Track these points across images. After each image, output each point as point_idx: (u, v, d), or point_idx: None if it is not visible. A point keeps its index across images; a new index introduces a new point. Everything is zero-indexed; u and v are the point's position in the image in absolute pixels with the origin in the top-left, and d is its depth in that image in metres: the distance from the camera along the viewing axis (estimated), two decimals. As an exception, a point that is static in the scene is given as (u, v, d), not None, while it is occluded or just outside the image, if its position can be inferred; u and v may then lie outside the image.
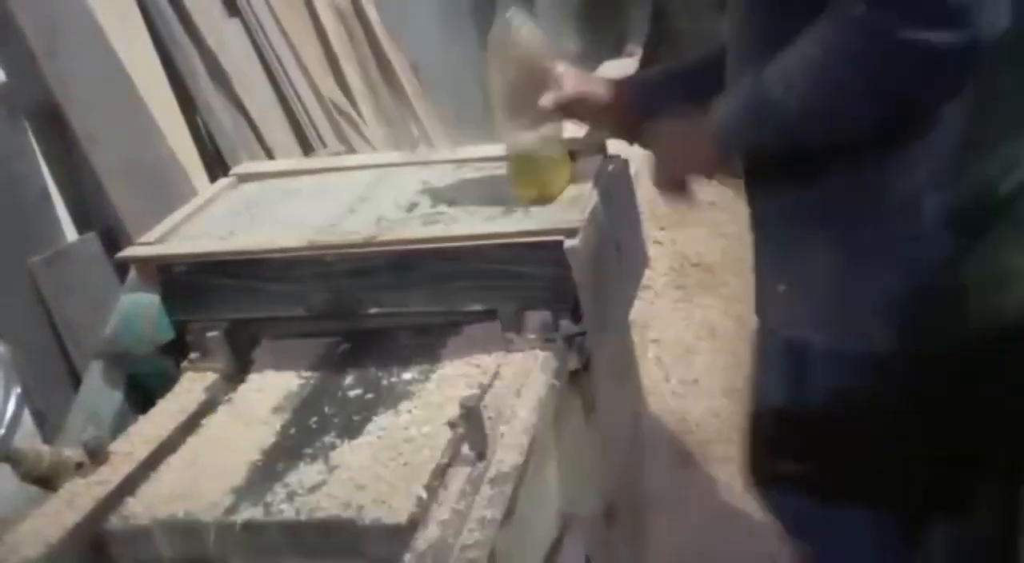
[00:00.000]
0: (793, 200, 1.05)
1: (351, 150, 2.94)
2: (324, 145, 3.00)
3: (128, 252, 1.37)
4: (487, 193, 1.37)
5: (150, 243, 1.36)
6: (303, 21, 3.06)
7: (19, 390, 1.10)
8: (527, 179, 1.29)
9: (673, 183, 1.20)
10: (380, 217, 1.36)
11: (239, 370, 1.35)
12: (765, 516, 1.71)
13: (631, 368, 1.80)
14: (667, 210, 2.23)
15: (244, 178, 1.60)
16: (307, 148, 2.93)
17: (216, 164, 2.67)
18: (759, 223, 1.14)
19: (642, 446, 1.81)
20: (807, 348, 1.08)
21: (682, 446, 1.88)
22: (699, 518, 1.71)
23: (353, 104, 3.13)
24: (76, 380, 2.08)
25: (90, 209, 2.35)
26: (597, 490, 1.42)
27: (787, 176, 1.04)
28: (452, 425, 1.06)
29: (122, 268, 2.34)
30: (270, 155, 2.72)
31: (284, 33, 2.93)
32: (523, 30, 1.20)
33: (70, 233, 2.32)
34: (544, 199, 1.29)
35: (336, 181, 1.52)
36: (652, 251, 2.10)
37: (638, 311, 1.98)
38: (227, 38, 2.73)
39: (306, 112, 2.95)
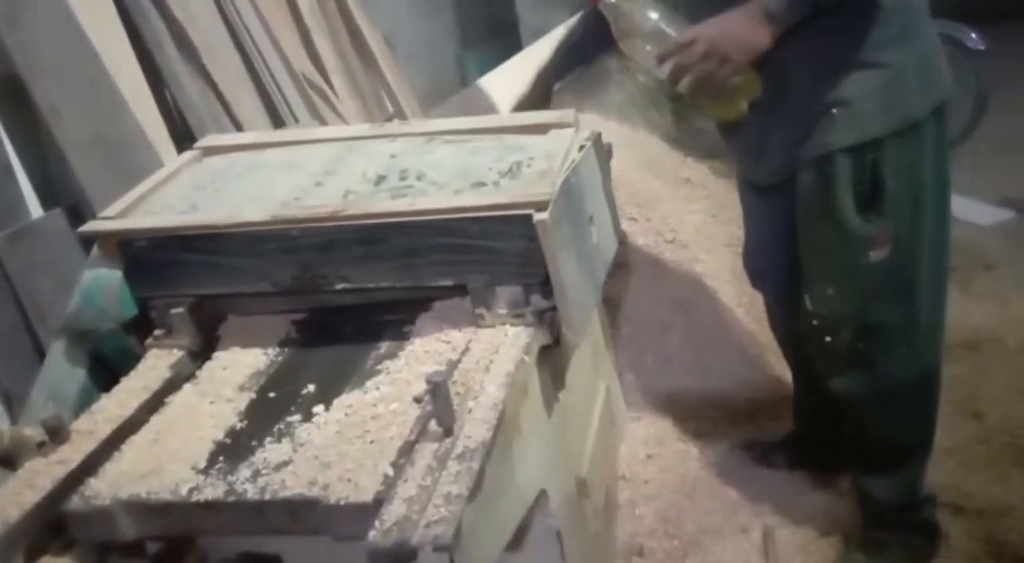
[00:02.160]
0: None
1: (323, 124, 2.90)
2: (296, 120, 2.95)
3: (89, 227, 1.34)
4: (457, 166, 1.35)
5: (111, 218, 1.33)
6: (274, -8, 3.00)
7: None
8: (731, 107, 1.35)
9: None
10: (347, 190, 1.33)
11: (205, 347, 1.33)
12: (736, 490, 1.73)
13: (603, 344, 1.79)
14: (641, 186, 2.21)
15: (209, 151, 1.57)
16: (278, 123, 2.87)
17: (185, 138, 2.61)
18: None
19: (614, 423, 1.81)
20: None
21: (655, 422, 1.88)
22: (671, 493, 1.71)
23: (325, 78, 3.08)
24: (42, 357, 2.05)
25: (55, 184, 2.30)
26: (568, 465, 1.41)
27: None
28: (418, 401, 1.04)
29: (88, 244, 2.32)
30: (240, 129, 2.67)
31: (254, 5, 2.87)
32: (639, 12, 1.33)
33: (35, 209, 2.28)
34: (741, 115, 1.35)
35: (303, 154, 1.49)
36: (626, 227, 2.08)
37: (611, 288, 1.97)
38: (195, 9, 2.66)
39: (277, 86, 2.89)
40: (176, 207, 1.35)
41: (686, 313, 2.03)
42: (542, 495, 1.23)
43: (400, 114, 3.35)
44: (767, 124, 1.36)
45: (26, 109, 2.20)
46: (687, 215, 2.21)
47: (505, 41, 4.32)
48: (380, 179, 1.36)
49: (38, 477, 1.08)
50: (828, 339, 1.42)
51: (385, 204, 1.27)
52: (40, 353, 2.14)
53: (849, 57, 1.28)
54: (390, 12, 3.56)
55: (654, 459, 1.80)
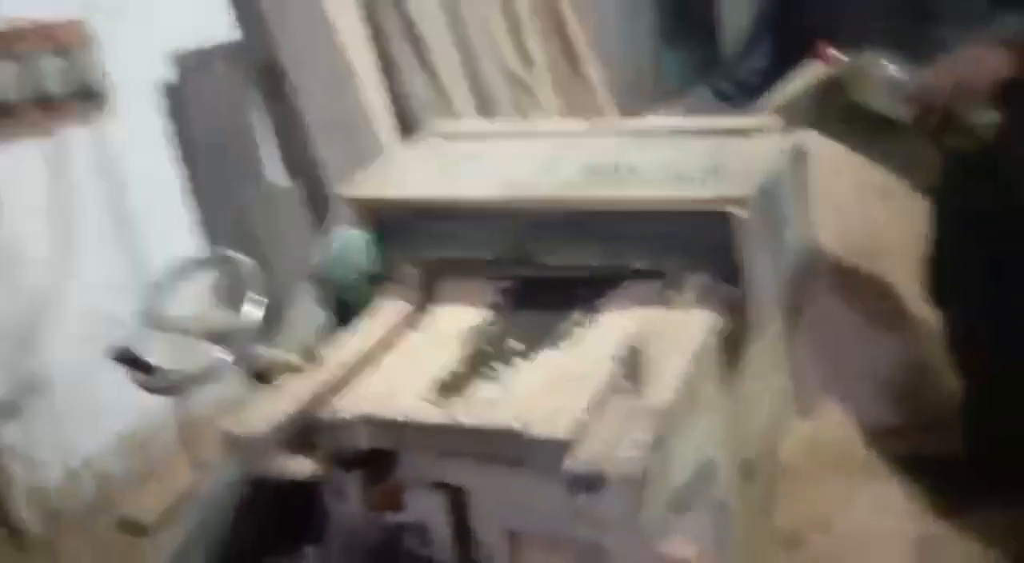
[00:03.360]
0: None
1: (525, 119, 3.11)
2: (501, 112, 3.18)
3: (345, 191, 1.58)
4: (664, 162, 1.50)
5: (364, 185, 1.57)
6: (493, -9, 3.23)
7: (262, 300, 1.32)
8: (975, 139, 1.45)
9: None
10: (565, 179, 1.51)
11: (426, 302, 1.55)
12: (900, 496, 1.77)
13: (781, 343, 1.88)
14: (837, 196, 2.26)
15: (443, 135, 1.79)
16: (486, 114, 3.11)
17: (403, 122, 2.90)
18: None
19: (783, 417, 1.89)
20: None
21: (822, 423, 1.94)
22: (833, 491, 1.78)
23: (532, 75, 3.29)
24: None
25: (297, 158, 2.64)
26: (737, 446, 1.52)
27: None
28: (615, 359, 1.20)
29: (321, 212, 2.63)
30: (452, 118, 2.92)
31: (474, 2, 3.11)
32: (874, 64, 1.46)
33: (279, 178, 2.62)
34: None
35: (526, 144, 1.68)
36: (820, 234, 2.14)
37: (797, 292, 2.04)
38: (425, 4, 2.93)
39: (487, 79, 3.13)
40: (418, 181, 1.58)
41: (869, 323, 2.07)
42: (710, 465, 1.35)
43: (598, 113, 3.51)
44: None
45: (281, 92, 2.54)
46: (881, 228, 2.24)
47: (705, 42, 4.36)
48: (594, 171, 1.52)
49: (296, 390, 1.32)
50: None
51: (598, 192, 1.43)
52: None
53: None
54: (594, 8, 3.71)
55: (816, 456, 1.87)
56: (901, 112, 1.44)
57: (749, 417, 1.61)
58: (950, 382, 1.83)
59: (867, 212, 2.29)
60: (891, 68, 1.43)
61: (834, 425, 1.93)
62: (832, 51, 1.45)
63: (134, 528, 2.02)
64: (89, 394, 2.11)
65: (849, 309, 2.06)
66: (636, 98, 3.49)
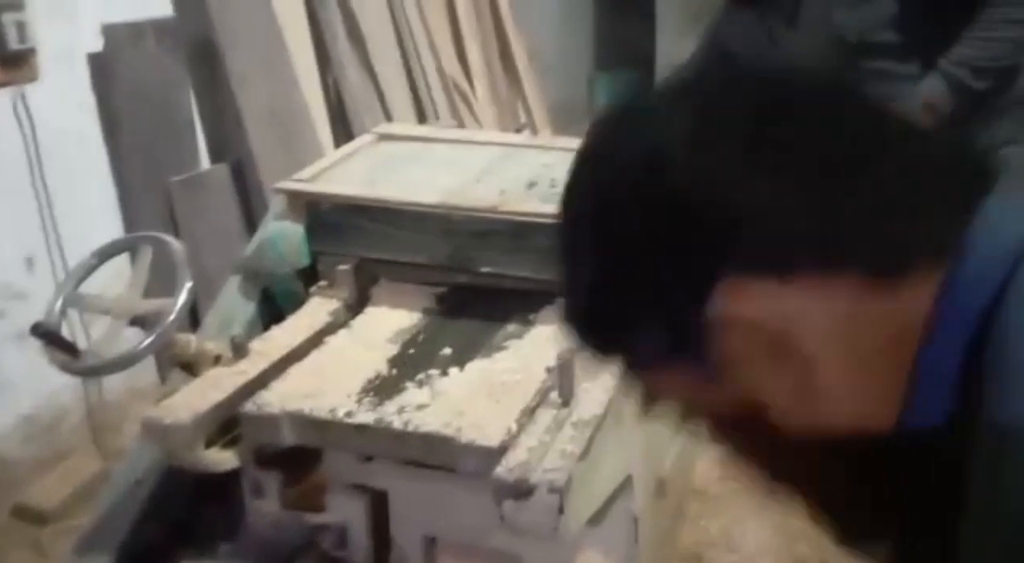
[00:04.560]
0: None
1: (461, 125, 3.13)
2: (437, 117, 3.19)
3: (284, 185, 1.56)
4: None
5: (303, 180, 1.56)
6: (437, -5, 3.24)
7: (190, 284, 1.29)
8: None
9: None
10: (503, 189, 1.53)
11: (359, 302, 1.54)
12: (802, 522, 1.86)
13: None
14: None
15: (383, 137, 1.79)
16: (422, 117, 3.12)
17: (338, 119, 2.88)
18: None
19: (697, 441, 1.96)
20: None
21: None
22: (738, 512, 1.85)
23: (470, 82, 3.31)
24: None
25: (226, 142, 2.58)
26: (652, 463, 1.57)
27: None
28: (548, 370, 1.22)
29: (245, 198, 2.57)
30: (389, 119, 2.92)
31: (419, 6, 3.12)
32: None
33: (204, 161, 2.56)
34: None
35: (466, 152, 1.70)
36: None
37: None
38: (368, 3, 2.93)
39: (427, 84, 3.14)
40: (356, 180, 1.57)
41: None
42: (628, 480, 1.39)
43: (531, 125, 3.56)
44: None
45: (215, 73, 2.49)
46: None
47: (640, 66, 4.45)
48: (532, 184, 1.55)
49: (222, 382, 1.30)
50: None
51: (536, 205, 1.46)
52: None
53: None
54: (534, 24, 3.76)
55: (726, 481, 1.94)
56: None
57: (664, 437, 1.67)
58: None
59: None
60: None
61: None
62: None
63: (32, 515, 1.93)
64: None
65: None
66: (568, 118, 3.55)
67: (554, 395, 1.22)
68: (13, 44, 2.02)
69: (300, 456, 1.30)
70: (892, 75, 1.48)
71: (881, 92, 1.37)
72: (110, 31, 2.30)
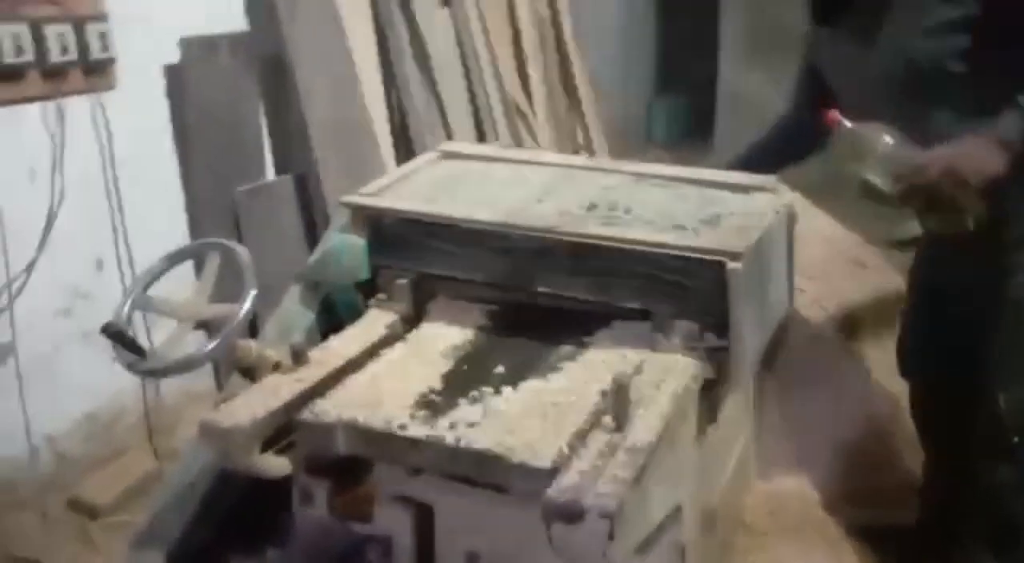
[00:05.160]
0: None
1: (520, 147, 3.15)
2: (497, 138, 3.22)
3: (349, 199, 1.59)
4: (661, 207, 1.53)
5: (368, 195, 1.58)
6: (503, 20, 3.28)
7: (255, 292, 1.32)
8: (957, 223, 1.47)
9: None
10: (563, 211, 1.53)
11: (415, 316, 1.56)
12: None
13: (752, 398, 1.92)
14: (814, 259, 2.32)
15: (447, 155, 1.81)
16: (482, 138, 3.15)
17: (401, 137, 2.92)
18: None
19: (746, 472, 1.92)
20: None
21: (783, 484, 1.98)
22: (786, 550, 1.81)
23: (531, 105, 3.34)
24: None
25: (291, 155, 2.64)
26: (703, 494, 1.55)
27: None
28: (603, 394, 1.22)
29: (307, 209, 2.62)
30: (450, 139, 2.95)
31: (485, 30, 3.16)
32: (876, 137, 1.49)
33: (270, 172, 2.62)
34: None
35: (527, 173, 1.71)
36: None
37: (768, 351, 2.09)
38: (436, 25, 2.97)
39: (488, 105, 3.17)
40: (419, 197, 1.59)
41: (829, 388, 2.12)
42: (677, 510, 1.37)
43: (589, 148, 3.57)
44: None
45: (284, 88, 2.55)
46: (853, 295, 2.30)
47: (699, 93, 4.43)
48: (592, 206, 1.55)
49: (280, 388, 1.32)
50: (1017, 439, 1.49)
51: (595, 228, 1.46)
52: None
53: None
54: (595, 49, 3.79)
55: (775, 516, 1.90)
56: (888, 185, 1.49)
57: (717, 468, 1.64)
58: (914, 454, 1.88)
59: (841, 281, 2.35)
60: (890, 142, 1.49)
61: (795, 487, 1.96)
62: (838, 116, 1.50)
63: (85, 509, 1.98)
64: (56, 370, 2.08)
65: (818, 375, 2.11)
66: (626, 143, 3.55)
67: (607, 419, 1.22)
68: (95, 54, 2.10)
69: (350, 466, 1.31)
70: (962, 107, 1.45)
71: (956, 128, 1.34)
72: (186, 44, 2.38)
